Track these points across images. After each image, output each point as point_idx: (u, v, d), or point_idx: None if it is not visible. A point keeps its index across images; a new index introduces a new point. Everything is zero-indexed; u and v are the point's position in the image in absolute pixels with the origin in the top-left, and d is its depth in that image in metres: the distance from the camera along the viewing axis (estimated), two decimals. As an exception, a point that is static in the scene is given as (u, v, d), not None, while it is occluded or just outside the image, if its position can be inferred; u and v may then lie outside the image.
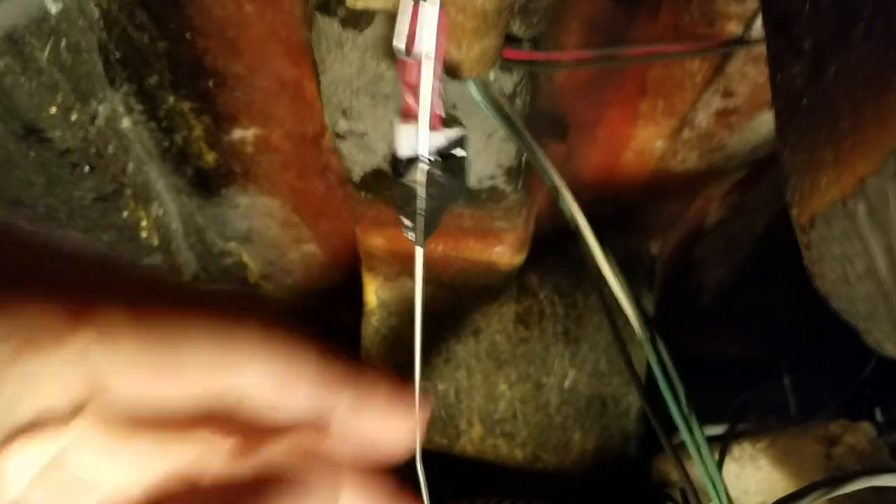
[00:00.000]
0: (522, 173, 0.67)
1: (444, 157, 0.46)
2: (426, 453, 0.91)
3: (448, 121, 0.46)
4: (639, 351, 0.55)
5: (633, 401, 0.96)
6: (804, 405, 1.24)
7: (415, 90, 0.42)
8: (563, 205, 0.52)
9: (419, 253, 0.51)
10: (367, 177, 0.68)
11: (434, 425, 0.92)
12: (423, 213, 0.48)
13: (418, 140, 0.45)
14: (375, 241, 0.81)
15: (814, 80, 0.39)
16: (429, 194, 0.47)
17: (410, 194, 0.47)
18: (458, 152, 0.46)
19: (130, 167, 0.85)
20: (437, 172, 0.46)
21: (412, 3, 0.39)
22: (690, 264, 1.24)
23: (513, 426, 0.92)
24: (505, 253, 0.80)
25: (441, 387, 0.92)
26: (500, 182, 0.68)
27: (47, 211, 0.87)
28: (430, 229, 0.50)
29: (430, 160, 0.45)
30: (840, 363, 1.19)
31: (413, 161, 0.46)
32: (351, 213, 0.80)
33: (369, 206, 0.74)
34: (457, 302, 0.92)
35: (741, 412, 0.97)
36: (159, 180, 0.90)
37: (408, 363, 0.94)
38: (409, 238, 0.51)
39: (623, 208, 0.94)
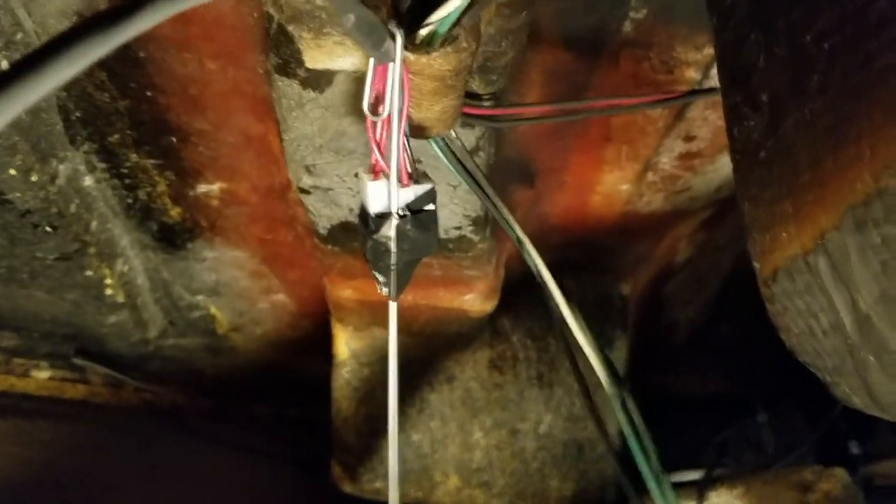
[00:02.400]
0: (490, 222, 0.67)
1: (415, 212, 0.46)
2: (402, 507, 0.89)
3: (416, 176, 0.45)
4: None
5: (609, 446, 0.96)
6: (781, 440, 1.24)
7: (382, 148, 0.43)
8: (527, 257, 0.52)
9: (393, 308, 0.50)
10: (333, 229, 0.68)
11: (409, 478, 0.90)
12: (396, 268, 0.48)
13: (389, 196, 0.45)
14: (344, 292, 0.80)
15: (772, 133, 0.39)
16: (401, 249, 0.47)
17: (382, 250, 0.47)
18: (429, 207, 0.46)
19: (94, 225, 0.83)
20: (409, 227, 0.46)
21: (377, 65, 0.40)
22: (661, 303, 1.24)
23: (489, 475, 0.91)
24: (476, 300, 0.79)
25: (415, 437, 0.91)
26: (468, 231, 0.67)
27: (9, 272, 0.86)
28: (403, 283, 0.50)
29: (401, 215, 0.45)
30: (815, 397, 1.20)
31: (384, 217, 0.46)
32: (319, 264, 0.79)
33: (337, 258, 0.73)
34: (429, 350, 0.91)
35: (718, 451, 0.97)
36: (124, 237, 0.89)
37: (379, 415, 0.93)
38: (383, 293, 0.50)
39: (592, 250, 0.94)
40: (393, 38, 0.37)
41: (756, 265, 0.41)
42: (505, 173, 0.59)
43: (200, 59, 0.66)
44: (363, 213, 0.46)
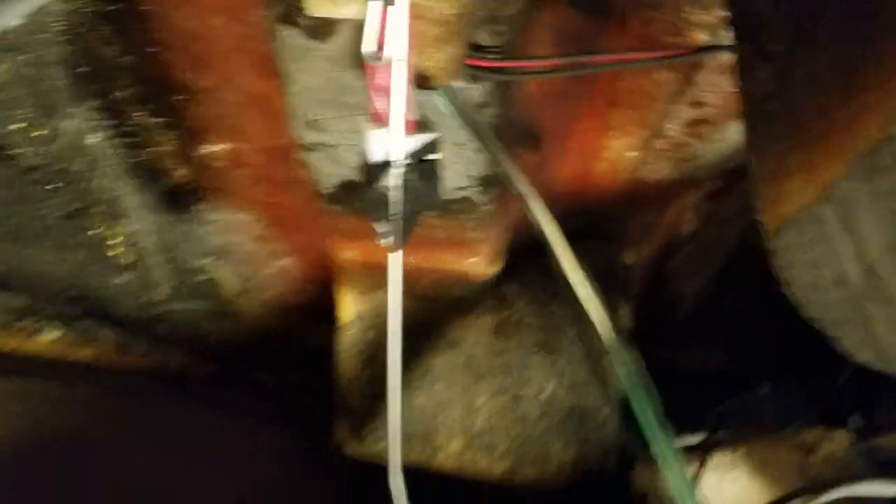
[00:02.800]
0: (495, 184, 0.67)
1: (417, 162, 0.45)
2: (404, 469, 0.90)
3: (420, 125, 0.44)
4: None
5: (611, 413, 0.96)
6: (781, 413, 1.24)
7: (385, 95, 0.41)
8: (532, 215, 0.51)
9: (394, 261, 0.49)
10: (337, 189, 0.67)
11: (411, 440, 0.91)
12: (398, 218, 0.47)
13: (391, 144, 0.43)
14: (348, 253, 0.80)
15: (781, 85, 0.38)
16: (403, 199, 0.46)
17: (384, 200, 0.46)
18: (431, 156, 0.45)
19: (99, 184, 0.83)
20: (411, 176, 0.45)
21: (380, 7, 0.39)
22: (666, 275, 1.23)
23: (491, 439, 0.91)
24: (479, 263, 0.79)
25: (418, 401, 0.91)
26: (473, 192, 0.67)
27: (15, 230, 0.86)
28: (405, 236, 0.49)
29: (403, 164, 0.44)
30: (816, 370, 1.19)
31: (385, 166, 0.44)
32: (323, 227, 0.79)
33: (341, 218, 0.73)
34: (433, 314, 0.91)
35: (719, 422, 0.97)
36: (129, 197, 0.89)
37: (383, 378, 0.93)
38: (384, 244, 0.49)
39: (597, 219, 0.94)
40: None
41: (762, 218, 0.41)
42: (510, 136, 0.59)
43: (204, 14, 0.66)
44: (365, 162, 0.45)
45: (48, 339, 1.12)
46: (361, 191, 0.46)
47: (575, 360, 0.94)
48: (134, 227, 0.91)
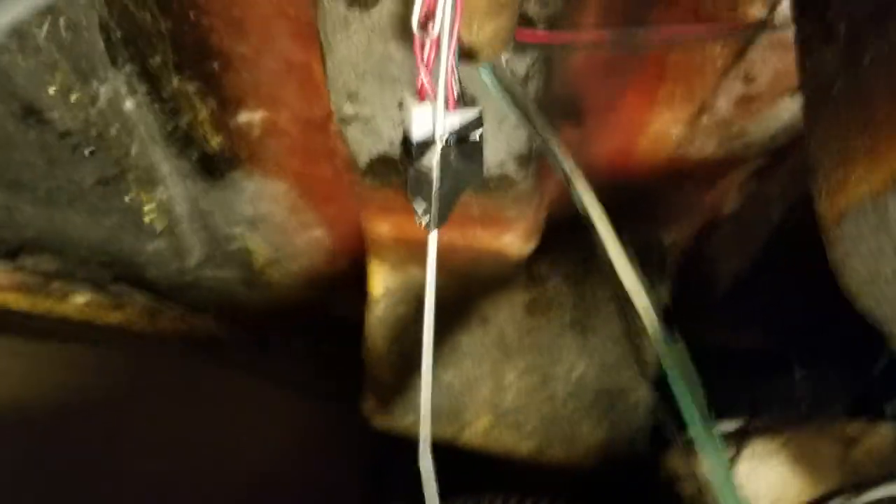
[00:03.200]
0: (533, 161, 0.65)
1: (460, 140, 0.43)
2: (432, 445, 0.89)
3: (464, 100, 0.42)
4: (651, 343, 0.53)
5: (642, 395, 0.94)
6: (815, 398, 1.22)
7: (430, 69, 0.40)
8: (575, 192, 0.50)
9: (433, 240, 0.48)
10: (373, 162, 0.66)
11: (440, 416, 0.90)
12: (438, 196, 0.45)
13: (434, 121, 0.42)
14: (382, 227, 0.79)
15: (847, 67, 0.36)
16: (444, 177, 0.44)
17: (424, 179, 0.44)
18: (475, 135, 0.44)
19: (134, 150, 0.83)
20: (453, 155, 0.43)
21: None
22: (705, 255, 1.21)
23: (520, 417, 0.91)
24: (514, 242, 0.78)
25: (447, 377, 0.90)
26: (510, 170, 0.65)
27: (48, 194, 0.86)
28: (444, 215, 0.47)
29: (445, 143, 0.43)
30: (852, 355, 1.17)
31: (427, 144, 0.43)
32: (357, 199, 0.78)
33: (375, 192, 0.72)
34: (464, 290, 0.90)
35: (753, 407, 0.95)
36: (164, 164, 0.88)
37: (413, 353, 0.93)
38: (423, 224, 0.48)
39: (637, 196, 0.92)
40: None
41: (820, 206, 0.39)
42: (552, 109, 0.57)
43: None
44: (406, 138, 0.43)
45: (79, 301, 1.12)
46: (401, 167, 0.45)
47: (608, 340, 0.92)
48: (168, 194, 0.91)
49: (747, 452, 0.69)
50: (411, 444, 0.97)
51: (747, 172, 0.99)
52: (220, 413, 1.15)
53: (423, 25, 0.38)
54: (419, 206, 0.46)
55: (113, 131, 0.77)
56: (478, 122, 0.43)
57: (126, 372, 1.12)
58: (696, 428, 0.46)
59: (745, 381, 1.18)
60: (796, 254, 1.27)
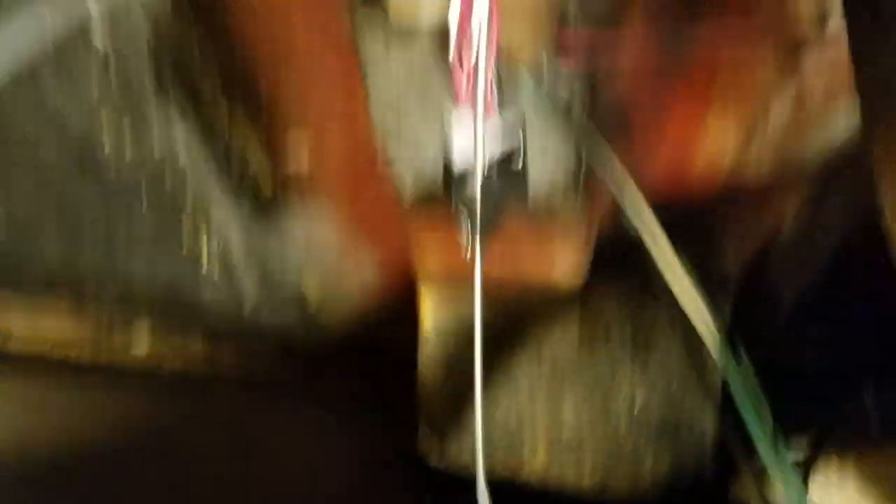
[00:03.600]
0: (580, 184, 0.64)
1: (503, 165, 0.43)
2: (488, 483, 0.87)
3: (503, 104, 0.42)
4: (714, 371, 0.51)
5: (707, 425, 0.91)
6: (887, 422, 1.16)
7: (469, 75, 0.39)
8: (628, 212, 0.48)
9: (478, 258, 0.47)
10: (420, 194, 0.66)
11: (496, 453, 0.88)
12: (483, 223, 0.46)
13: (476, 147, 0.41)
14: (431, 262, 0.79)
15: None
16: (487, 201, 0.44)
17: (468, 201, 0.44)
18: (518, 151, 0.43)
19: (189, 199, 0.85)
20: (497, 182, 0.43)
21: None
22: (765, 277, 1.18)
23: (579, 453, 0.88)
24: (564, 270, 0.76)
25: (502, 412, 0.89)
26: (557, 194, 0.64)
27: (108, 243, 0.88)
28: (490, 226, 0.47)
29: (488, 165, 0.43)
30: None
31: (469, 168, 0.43)
32: (406, 234, 0.77)
33: (423, 226, 0.71)
34: (517, 323, 0.88)
35: (822, 431, 0.91)
36: (219, 211, 0.90)
37: (466, 389, 0.91)
38: (467, 240, 0.48)
39: (692, 219, 0.89)
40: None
41: (887, 219, 0.37)
42: (599, 122, 0.56)
43: (288, 9, 0.65)
44: (447, 164, 0.43)
45: (140, 351, 1.15)
46: (445, 192, 0.44)
47: (669, 368, 0.89)
48: (223, 241, 0.93)
49: (819, 477, 0.65)
50: (468, 483, 0.95)
51: (804, 193, 0.96)
52: (277, 453, 1.15)
53: (462, 29, 0.37)
54: (464, 230, 0.46)
55: (168, 181, 0.79)
56: (518, 127, 0.42)
57: (187, 418, 1.13)
58: (766, 452, 0.43)
59: (813, 405, 1.13)
60: (861, 273, 1.23)
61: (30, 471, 0.89)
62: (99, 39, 0.61)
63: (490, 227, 0.45)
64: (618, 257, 0.91)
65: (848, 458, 0.68)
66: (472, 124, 0.40)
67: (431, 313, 0.89)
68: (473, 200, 0.43)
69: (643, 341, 0.91)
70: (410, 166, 0.62)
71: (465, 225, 0.45)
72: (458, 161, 0.42)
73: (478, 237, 0.45)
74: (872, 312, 1.19)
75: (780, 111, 0.74)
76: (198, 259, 0.89)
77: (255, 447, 1.15)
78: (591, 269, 0.84)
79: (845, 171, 0.90)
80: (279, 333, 1.19)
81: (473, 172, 0.42)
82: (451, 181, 0.43)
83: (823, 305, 1.27)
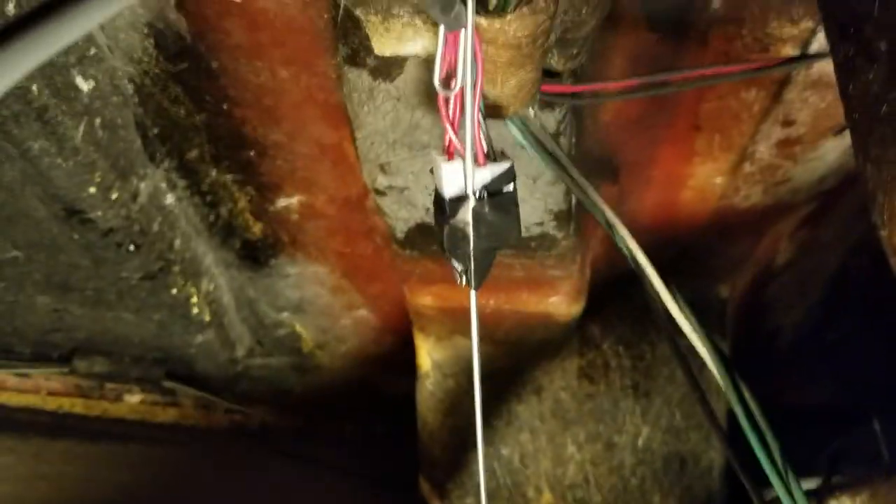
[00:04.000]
0: (573, 217, 0.64)
1: (493, 194, 0.42)
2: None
3: (493, 154, 0.42)
4: (717, 401, 0.51)
5: (714, 457, 0.89)
6: (896, 450, 1.14)
7: (455, 126, 0.40)
8: (620, 242, 0.48)
9: (473, 299, 0.46)
10: (411, 233, 0.65)
11: (499, 493, 0.86)
12: (475, 254, 0.44)
13: (465, 177, 0.41)
14: (424, 299, 0.78)
15: (893, 84, 0.34)
16: (479, 233, 0.43)
17: (460, 236, 0.43)
18: (507, 188, 0.43)
19: (177, 243, 0.84)
20: (487, 210, 0.42)
21: (448, 32, 0.37)
22: (762, 308, 1.17)
23: (585, 492, 0.86)
24: (561, 303, 0.75)
25: (504, 452, 0.87)
26: (550, 228, 0.64)
27: (96, 293, 0.87)
28: (483, 273, 0.46)
29: (478, 197, 0.42)
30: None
31: (460, 200, 0.42)
32: (398, 273, 0.77)
33: (416, 263, 0.71)
34: (515, 359, 0.87)
35: (832, 463, 0.89)
36: (207, 255, 0.89)
37: (467, 427, 0.90)
38: (462, 283, 0.46)
39: (686, 251, 0.89)
40: (464, 1, 0.34)
41: (883, 234, 0.36)
42: (586, 168, 0.56)
43: (273, 67, 0.66)
44: (438, 197, 0.43)
45: (133, 401, 1.13)
46: (436, 229, 0.44)
47: (671, 402, 0.88)
48: (213, 284, 0.92)
49: (833, 511, 0.64)
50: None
51: (798, 219, 0.96)
52: (275, 502, 1.13)
53: (446, 82, 0.38)
54: (458, 265, 0.45)
55: (155, 226, 0.78)
56: (509, 175, 0.42)
57: (181, 468, 1.11)
58: (776, 482, 0.42)
59: (820, 438, 1.11)
60: (859, 300, 1.22)
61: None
62: (86, 108, 0.61)
63: (485, 258, 0.44)
64: (614, 292, 0.90)
65: (860, 489, 0.66)
66: (462, 173, 0.41)
67: (426, 351, 0.88)
68: (466, 228, 0.43)
69: (644, 375, 0.90)
70: (401, 198, 0.61)
71: (459, 256, 0.44)
72: (448, 190, 0.42)
73: (472, 273, 0.44)
74: (875, 341, 1.18)
75: (766, 139, 0.74)
76: (187, 303, 0.88)
77: (251, 498, 1.13)
78: (590, 304, 0.83)
79: (840, 194, 0.90)
80: (273, 377, 1.17)
81: (464, 201, 0.42)
82: (443, 211, 0.43)
83: (823, 337, 1.26)
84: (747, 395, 0.43)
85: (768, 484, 0.45)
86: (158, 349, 1.00)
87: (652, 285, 0.47)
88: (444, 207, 0.42)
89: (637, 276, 0.57)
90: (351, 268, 0.95)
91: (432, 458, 0.91)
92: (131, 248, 0.78)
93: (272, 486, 1.15)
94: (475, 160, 0.39)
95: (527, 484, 0.86)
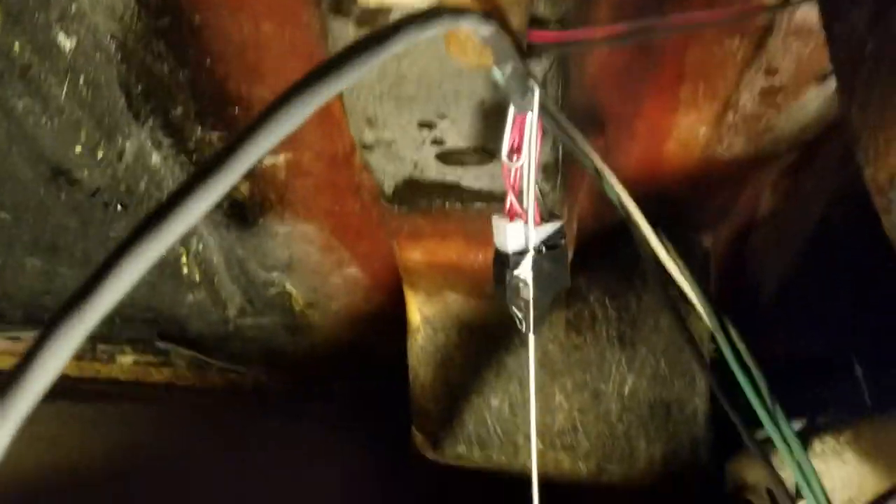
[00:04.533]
0: (560, 170, 0.64)
1: (547, 249, 0.52)
2: (487, 473, 0.87)
3: (546, 215, 0.52)
4: (703, 344, 0.52)
5: (699, 404, 0.91)
6: (881, 396, 1.17)
7: (516, 192, 0.49)
8: (609, 190, 0.49)
9: (531, 342, 0.55)
10: (398, 188, 0.66)
11: (491, 442, 0.88)
12: (535, 304, 0.53)
13: (526, 237, 0.51)
14: (413, 255, 0.78)
15: (878, 24, 0.35)
16: (538, 284, 0.52)
17: (521, 287, 0.52)
18: (559, 241, 0.52)
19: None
20: (543, 264, 0.51)
21: (517, 114, 0.45)
22: (745, 258, 1.18)
23: (574, 438, 0.88)
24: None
25: (495, 402, 0.88)
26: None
27: (85, 254, 0.87)
28: (542, 319, 0.55)
29: (538, 251, 0.51)
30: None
31: (521, 255, 0.51)
32: (387, 229, 0.77)
33: (404, 219, 0.71)
34: (504, 312, 0.88)
35: (815, 410, 0.91)
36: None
37: (458, 381, 0.91)
38: (522, 329, 0.56)
39: (670, 202, 0.90)
40: (532, 91, 0.42)
41: (868, 172, 0.37)
42: (574, 117, 0.56)
43: (256, 21, 0.65)
44: (499, 255, 0.52)
45: (126, 362, 1.13)
46: (497, 284, 0.54)
47: (656, 350, 0.90)
48: (203, 244, 0.92)
49: (816, 450, 0.65)
50: (463, 476, 0.95)
51: (780, 169, 0.97)
52: (269, 460, 1.14)
53: (510, 155, 0.47)
54: (518, 313, 0.54)
55: (142, 185, 0.78)
56: (560, 232, 0.52)
57: (175, 427, 1.12)
58: (765, 419, 0.44)
59: (803, 387, 1.13)
60: (842, 249, 1.24)
61: (23, 484, 0.88)
62: (69, 66, 0.61)
63: (543, 309, 0.53)
64: (601, 246, 0.91)
65: (847, 429, 0.68)
66: (524, 233, 0.50)
67: (416, 307, 0.89)
68: (526, 285, 0.52)
69: (630, 325, 0.91)
70: (389, 153, 0.62)
71: (519, 305, 0.53)
72: (511, 246, 0.51)
73: (531, 321, 0.53)
74: (856, 291, 1.20)
75: (750, 88, 0.75)
76: (177, 263, 0.88)
77: (246, 456, 1.14)
78: (575, 256, 0.84)
79: (823, 144, 0.91)
80: (265, 337, 1.18)
81: (524, 255, 0.51)
82: (505, 265, 0.52)
83: (806, 287, 1.28)
84: (734, 334, 0.45)
85: (755, 423, 0.46)
86: (150, 309, 1.00)
87: (640, 231, 0.49)
88: (507, 262, 0.52)
89: (624, 227, 0.59)
90: (340, 226, 0.95)
91: (424, 410, 0.93)
92: (119, 208, 0.78)
93: (267, 445, 1.17)
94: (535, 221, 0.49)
95: (517, 432, 0.88)
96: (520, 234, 0.49)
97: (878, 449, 0.63)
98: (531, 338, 0.54)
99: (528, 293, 0.51)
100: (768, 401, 0.44)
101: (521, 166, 0.46)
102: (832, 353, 1.22)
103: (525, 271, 0.50)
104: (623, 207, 0.50)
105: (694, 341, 0.54)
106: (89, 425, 1.10)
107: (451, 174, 0.63)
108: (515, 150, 0.45)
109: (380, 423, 1.20)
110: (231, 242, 0.96)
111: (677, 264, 0.52)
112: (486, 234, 0.76)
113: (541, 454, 0.88)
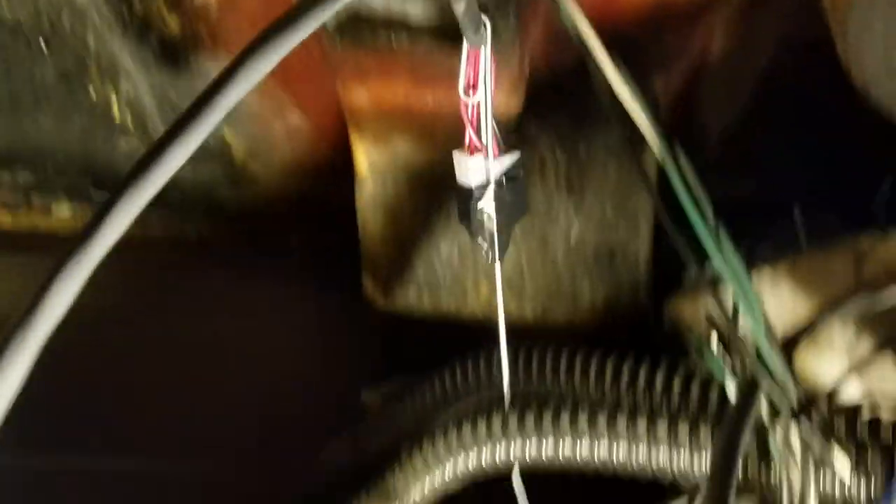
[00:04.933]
0: (512, 4, 0.62)
1: (507, 180, 0.56)
2: (436, 318, 0.89)
3: (504, 147, 0.55)
4: (650, 176, 0.54)
5: (641, 248, 0.94)
6: (816, 238, 1.21)
7: (475, 127, 0.53)
8: (566, 19, 0.48)
9: (497, 269, 0.60)
10: (343, 21, 0.62)
11: (441, 288, 0.90)
12: (497, 234, 0.58)
13: (486, 169, 0.55)
14: (359, 97, 0.76)
15: None
16: (500, 213, 0.56)
17: (483, 220, 0.57)
18: (518, 173, 0.57)
19: (91, 39, 0.78)
20: (504, 195, 0.56)
21: (470, 50, 0.49)
22: (693, 106, 1.18)
23: (520, 282, 0.90)
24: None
25: (444, 248, 0.89)
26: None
27: (12, 98, 0.82)
28: (504, 248, 0.60)
29: (498, 183, 0.56)
30: (852, 197, 1.16)
31: (483, 189, 0.55)
32: (331, 69, 0.74)
33: (349, 56, 0.68)
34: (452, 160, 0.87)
35: (753, 249, 0.94)
36: (124, 53, 0.84)
37: (407, 230, 0.91)
38: (488, 260, 0.61)
39: (623, 44, 0.87)
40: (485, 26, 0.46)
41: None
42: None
43: None
44: (461, 190, 0.55)
45: (63, 214, 1.10)
46: (461, 218, 0.57)
47: (603, 196, 0.91)
48: (133, 87, 0.87)
49: (753, 279, 0.67)
50: (415, 320, 0.96)
51: (732, 8, 0.95)
52: (217, 312, 1.14)
53: (467, 91, 0.50)
54: (483, 244, 0.58)
55: (65, 19, 0.73)
56: (518, 162, 0.56)
57: (116, 281, 1.11)
58: (708, 244, 0.45)
59: (742, 230, 1.17)
60: (788, 98, 1.24)
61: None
62: None
63: (504, 239, 0.57)
64: (553, 94, 0.89)
65: (780, 264, 0.70)
66: (485, 167, 0.54)
67: (364, 154, 0.87)
68: (490, 218, 0.56)
69: (578, 172, 0.91)
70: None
71: (483, 237, 0.58)
72: (473, 181, 0.55)
73: (498, 249, 0.57)
74: (800, 140, 1.22)
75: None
76: (109, 107, 0.84)
77: (192, 307, 1.14)
78: (526, 102, 0.82)
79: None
80: (205, 188, 1.15)
81: (485, 189, 0.55)
82: (468, 199, 0.56)
83: (751, 134, 1.29)
84: (684, 164, 0.45)
85: (698, 253, 0.47)
86: (83, 157, 0.96)
87: (595, 59, 0.48)
88: (470, 195, 0.55)
89: (575, 72, 0.59)
90: (279, 67, 0.91)
91: (374, 258, 0.93)
92: (42, 45, 0.73)
93: (214, 296, 1.17)
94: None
95: (466, 277, 0.90)
96: (480, 168, 0.53)
97: (813, 279, 0.66)
98: (497, 266, 0.58)
99: (493, 225, 0.55)
100: (711, 228, 0.46)
101: (479, 102, 0.49)
102: (773, 199, 1.25)
103: (488, 204, 0.54)
104: (577, 36, 0.48)
105: (644, 172, 0.54)
106: (31, 279, 1.07)
107: (398, 5, 0.60)
108: (472, 85, 0.49)
109: (334, 274, 1.21)
110: (163, 84, 0.91)
111: (629, 84, 0.53)
112: (434, 75, 0.73)
113: (488, 298, 0.90)
